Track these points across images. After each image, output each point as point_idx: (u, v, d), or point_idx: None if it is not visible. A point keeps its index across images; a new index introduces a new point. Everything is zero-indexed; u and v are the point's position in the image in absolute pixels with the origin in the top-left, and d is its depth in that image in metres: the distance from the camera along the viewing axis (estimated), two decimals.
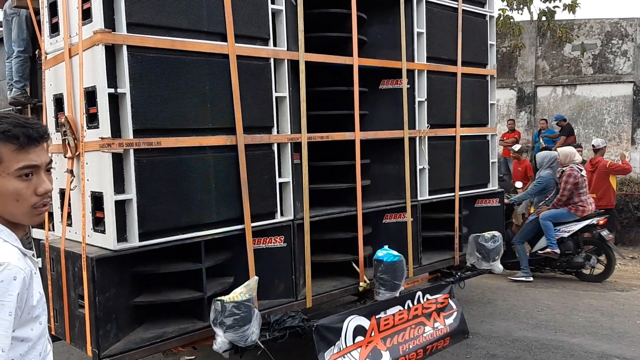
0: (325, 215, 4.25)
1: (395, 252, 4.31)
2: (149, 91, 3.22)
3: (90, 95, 3.13)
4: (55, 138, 3.55)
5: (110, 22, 3.09)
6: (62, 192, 3.55)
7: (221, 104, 3.56)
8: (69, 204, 3.39)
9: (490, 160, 5.77)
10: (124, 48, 3.10)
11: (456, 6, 5.26)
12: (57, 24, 3.46)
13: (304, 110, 4.05)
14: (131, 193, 3.16)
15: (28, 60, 5.26)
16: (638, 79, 13.01)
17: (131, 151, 3.14)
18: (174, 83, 3.33)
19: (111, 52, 3.10)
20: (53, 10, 3.47)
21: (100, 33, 3.03)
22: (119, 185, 3.15)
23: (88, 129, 3.15)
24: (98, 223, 3.22)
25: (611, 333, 4.94)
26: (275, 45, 3.86)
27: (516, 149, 9.68)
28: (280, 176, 3.91)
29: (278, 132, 3.90)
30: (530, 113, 14.59)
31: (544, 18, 12.57)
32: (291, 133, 3.96)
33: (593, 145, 8.83)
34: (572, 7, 12.07)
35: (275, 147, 3.88)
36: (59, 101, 3.51)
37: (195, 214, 3.44)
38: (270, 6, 3.81)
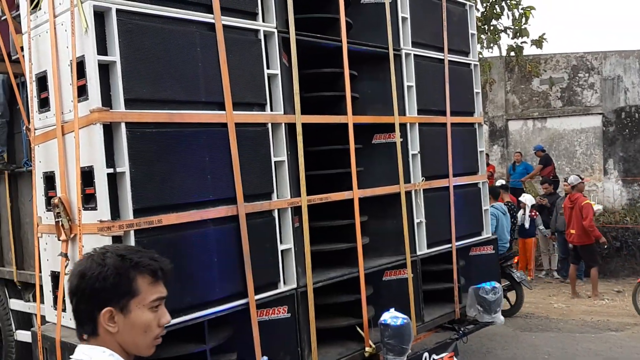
0: (329, 280, 4.12)
1: (401, 315, 4.19)
2: (149, 168, 3.08)
3: (87, 175, 2.97)
4: (46, 217, 3.37)
5: (106, 99, 2.97)
6: (54, 275, 3.34)
7: (221, 174, 3.44)
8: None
9: (483, 208, 5.75)
10: (122, 125, 2.97)
11: (442, 57, 5.30)
12: (46, 99, 3.31)
13: (302, 172, 3.96)
14: None
15: (5, 125, 5.08)
16: (606, 111, 13.38)
17: (132, 232, 2.98)
18: (174, 157, 3.20)
19: (108, 130, 2.97)
20: (42, 84, 3.32)
21: (97, 112, 2.89)
22: None
23: (84, 210, 2.97)
24: None
25: None
26: (272, 109, 3.78)
27: (498, 185, 9.76)
28: (281, 243, 3.78)
29: (278, 197, 3.79)
30: (503, 146, 14.84)
31: (512, 54, 12.87)
32: (291, 197, 3.86)
33: (569, 183, 8.96)
34: (539, 42, 12.39)
35: (276, 214, 3.76)
36: (49, 179, 3.33)
37: (198, 292, 3.27)
38: (266, 71, 3.74)
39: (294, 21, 3.93)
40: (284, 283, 3.78)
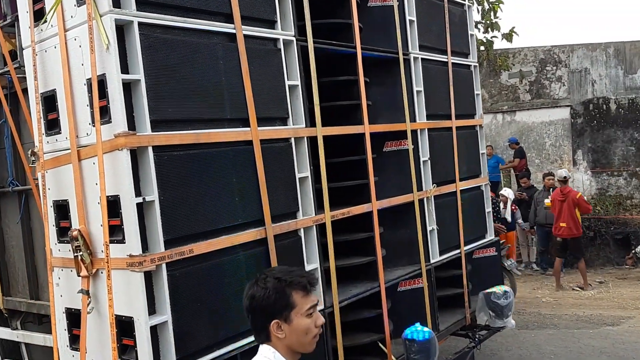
0: (353, 297, 3.95)
1: (424, 329, 4.08)
2: (177, 194, 2.84)
3: (111, 206, 2.71)
4: (58, 250, 3.07)
5: (130, 121, 2.71)
6: (69, 312, 3.06)
7: (248, 195, 3.23)
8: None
9: (486, 210, 5.70)
10: (149, 150, 2.72)
11: (446, 60, 5.19)
12: (56, 120, 3.01)
13: (325, 188, 3.78)
14: (165, 314, 2.75)
15: None
16: (574, 103, 13.66)
17: (163, 266, 2.74)
18: (202, 180, 2.97)
19: (133, 155, 2.71)
20: (50, 104, 3.01)
21: (124, 136, 2.63)
22: (151, 307, 2.74)
23: (111, 243, 2.71)
24: (125, 351, 2.78)
25: None
26: (294, 123, 3.57)
27: None
28: (308, 263, 3.60)
29: (303, 215, 3.60)
30: None
31: (482, 48, 12.94)
32: (315, 215, 3.67)
33: (561, 177, 9.04)
34: (509, 36, 12.47)
35: (302, 233, 3.57)
36: (61, 208, 3.04)
37: (232, 323, 3.06)
38: (287, 82, 3.53)
39: (311, 28, 3.72)
40: None
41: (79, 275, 2.87)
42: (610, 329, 6.42)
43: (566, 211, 8.53)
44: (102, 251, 2.81)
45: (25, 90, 3.41)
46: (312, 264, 3.61)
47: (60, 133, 2.98)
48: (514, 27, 12.56)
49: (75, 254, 2.84)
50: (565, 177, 8.95)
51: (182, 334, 2.80)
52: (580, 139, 13.65)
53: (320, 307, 3.63)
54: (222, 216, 3.06)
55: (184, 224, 2.86)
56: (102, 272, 2.83)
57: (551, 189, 9.72)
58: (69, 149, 2.91)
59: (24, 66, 3.49)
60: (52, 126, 3.03)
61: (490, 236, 5.73)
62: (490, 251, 5.74)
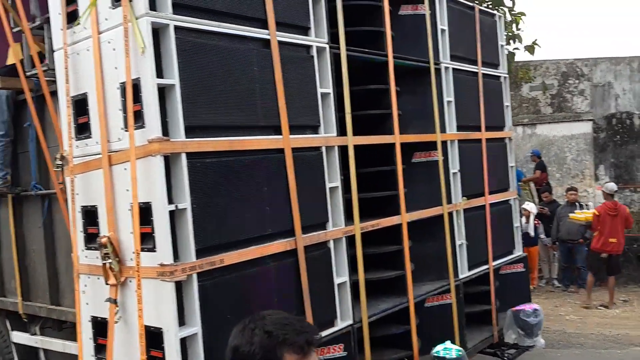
0: (381, 312, 3.84)
1: (456, 347, 3.94)
2: (209, 203, 2.76)
3: (143, 213, 2.63)
4: (85, 256, 3.01)
5: (163, 127, 2.64)
6: (95, 321, 2.99)
7: (279, 205, 3.14)
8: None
9: (514, 225, 5.57)
10: (183, 156, 2.65)
11: (476, 70, 5.09)
12: (86, 124, 2.95)
13: (355, 199, 3.68)
14: (195, 326, 2.66)
15: (10, 145, 4.66)
16: (597, 117, 13.45)
17: (194, 277, 2.66)
18: (233, 189, 2.89)
19: (166, 161, 2.64)
20: (81, 108, 2.96)
21: (158, 142, 2.56)
22: (180, 318, 2.65)
23: (142, 251, 2.63)
24: None
25: None
26: (325, 131, 3.49)
27: None
28: (338, 276, 3.50)
29: (333, 226, 3.50)
30: None
31: None
32: (345, 226, 3.57)
33: (612, 190, 8.84)
34: (531, 48, 12.32)
35: (331, 244, 3.47)
36: (89, 214, 2.97)
37: None
38: (319, 90, 3.45)
39: (344, 35, 3.65)
40: (340, 319, 3.49)
41: (107, 284, 2.79)
42: (639, 349, 6.23)
43: (618, 226, 8.33)
44: (131, 259, 2.74)
45: (53, 93, 3.36)
46: (341, 277, 3.51)
47: (91, 137, 2.92)
48: (536, 40, 12.39)
49: (104, 262, 2.77)
50: (616, 190, 8.76)
51: (211, 346, 2.70)
52: (603, 154, 13.41)
53: (349, 322, 3.53)
54: (252, 226, 2.98)
55: (215, 233, 2.78)
56: (130, 281, 2.76)
57: (579, 204, 9.52)
58: (99, 154, 2.85)
59: (53, 69, 3.47)
60: (82, 130, 2.98)
61: (518, 252, 5.58)
62: (518, 267, 5.59)
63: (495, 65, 5.47)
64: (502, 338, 5.12)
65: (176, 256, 2.65)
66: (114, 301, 2.78)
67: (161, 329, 2.63)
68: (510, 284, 5.51)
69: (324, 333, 3.37)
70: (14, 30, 3.87)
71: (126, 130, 2.71)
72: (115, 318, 2.77)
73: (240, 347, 1.53)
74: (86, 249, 2.99)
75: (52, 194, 4.29)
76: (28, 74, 3.81)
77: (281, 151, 3.16)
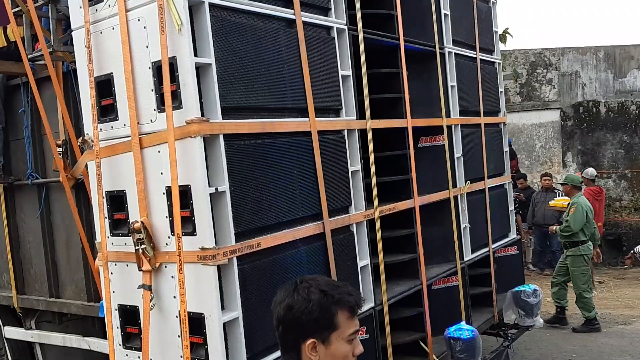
0: (398, 295, 3.86)
1: (468, 327, 4.01)
2: (246, 186, 2.71)
3: (182, 197, 2.56)
4: (111, 243, 2.90)
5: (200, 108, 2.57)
6: (123, 309, 2.89)
7: (308, 189, 3.11)
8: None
9: (510, 209, 5.67)
10: (220, 138, 2.58)
11: (474, 56, 5.15)
12: (111, 106, 2.84)
13: (374, 182, 3.68)
14: (236, 310, 2.61)
15: (1, 133, 4.47)
16: (564, 106, 13.82)
17: (234, 260, 2.61)
18: (267, 172, 2.85)
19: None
20: (105, 89, 2.84)
21: (197, 123, 2.49)
22: (221, 303, 2.60)
23: (184, 235, 2.55)
24: (191, 349, 2.62)
25: None
26: (346, 114, 3.47)
27: None
28: (360, 259, 3.49)
29: (355, 210, 3.49)
30: None
31: None
32: (365, 210, 3.56)
33: (592, 175, 9.04)
34: (503, 37, 12.53)
35: (354, 228, 3.46)
36: (115, 199, 2.87)
37: None
38: (340, 72, 3.42)
39: (361, 17, 3.62)
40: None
41: (140, 270, 2.71)
42: (624, 327, 6.46)
43: (601, 210, 8.56)
44: (167, 244, 2.67)
45: (47, 78, 3.23)
46: (363, 260, 3.50)
47: (117, 120, 2.82)
48: (507, 28, 12.63)
49: (137, 248, 2.68)
50: (596, 175, 8.98)
51: (251, 331, 2.66)
52: (570, 142, 13.80)
53: (371, 304, 3.54)
54: (284, 209, 2.95)
55: (252, 216, 2.74)
56: (166, 267, 2.69)
57: (555, 190, 9.77)
58: (128, 137, 2.75)
59: (59, 50, 3.34)
60: (107, 112, 2.87)
61: (512, 235, 5.70)
62: (512, 250, 5.71)
63: (491, 51, 5.54)
64: (501, 319, 5.24)
65: (215, 240, 2.59)
66: (148, 287, 2.70)
67: (202, 314, 2.57)
68: (505, 266, 5.62)
69: None
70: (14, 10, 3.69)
71: (159, 112, 2.63)
72: (150, 305, 2.69)
73: (296, 304, 1.61)
74: (112, 236, 2.89)
75: (50, 182, 4.13)
76: (30, 56, 3.64)
77: (308, 134, 3.13)
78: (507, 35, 12.55)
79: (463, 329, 3.97)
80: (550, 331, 6.47)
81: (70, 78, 3.58)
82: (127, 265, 2.84)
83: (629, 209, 12.73)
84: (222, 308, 2.61)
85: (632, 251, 9.81)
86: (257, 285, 2.75)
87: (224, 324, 2.57)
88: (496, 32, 5.63)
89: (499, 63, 5.63)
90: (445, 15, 4.68)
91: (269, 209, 2.83)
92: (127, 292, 2.86)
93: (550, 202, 9.39)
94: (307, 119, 3.12)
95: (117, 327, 2.92)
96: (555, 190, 10.22)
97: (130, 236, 2.76)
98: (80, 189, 3.64)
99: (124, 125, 2.78)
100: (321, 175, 3.16)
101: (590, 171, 9.35)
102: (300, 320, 1.61)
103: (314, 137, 3.13)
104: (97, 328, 4.05)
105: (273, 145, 2.89)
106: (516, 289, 5.07)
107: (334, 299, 1.63)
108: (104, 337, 3.50)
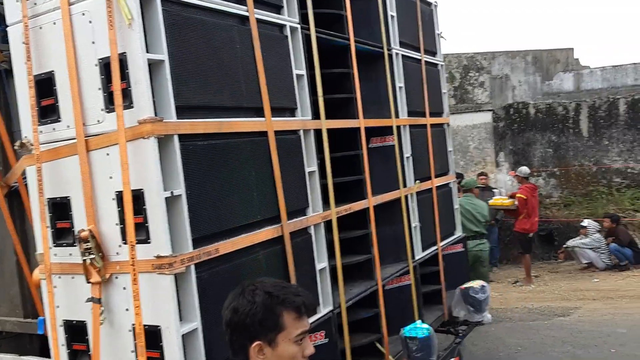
0: (355, 297, 3.81)
1: (425, 325, 4.02)
2: (202, 189, 2.58)
3: (135, 202, 2.40)
4: (54, 254, 2.69)
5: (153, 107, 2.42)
6: (69, 325, 2.68)
7: (265, 191, 3.01)
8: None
9: (454, 207, 5.77)
10: (176, 139, 2.44)
11: (419, 57, 5.20)
12: (52, 106, 2.63)
13: (331, 183, 3.62)
14: (195, 321, 2.48)
15: None
16: (496, 107, 14.32)
17: (192, 268, 2.47)
18: (225, 174, 2.72)
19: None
20: (45, 88, 2.64)
21: (150, 122, 2.34)
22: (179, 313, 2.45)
23: (137, 243, 2.39)
24: None
25: None
26: (301, 115, 3.39)
27: None
28: (318, 262, 3.42)
29: (312, 211, 3.42)
30: None
31: None
32: (323, 211, 3.50)
33: (526, 173, 9.37)
34: None
35: (312, 230, 3.38)
36: (58, 207, 2.66)
37: None
38: (295, 71, 3.34)
39: (313, 16, 3.56)
40: (323, 306, 3.42)
41: (88, 282, 2.52)
42: (563, 319, 6.72)
43: (538, 206, 8.89)
44: (117, 253, 2.50)
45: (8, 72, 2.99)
46: (321, 263, 3.43)
47: (60, 121, 2.62)
48: (441, 32, 12.93)
49: (84, 258, 2.50)
50: (530, 173, 9.32)
51: (211, 341, 2.53)
52: (502, 142, 14.31)
53: (330, 307, 3.48)
54: (243, 212, 2.83)
55: (210, 221, 2.60)
56: (117, 277, 2.51)
57: (493, 190, 10.09)
58: (72, 139, 2.56)
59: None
60: (48, 113, 2.66)
61: (458, 232, 5.80)
62: (458, 247, 5.81)
63: (434, 53, 5.63)
64: (451, 316, 5.30)
65: (172, 247, 2.44)
66: (97, 300, 2.51)
67: (159, 327, 2.41)
68: (451, 263, 5.71)
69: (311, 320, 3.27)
70: None
71: (108, 111, 2.46)
72: (101, 319, 2.51)
73: (241, 307, 1.64)
74: (55, 246, 2.68)
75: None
76: None
77: (264, 134, 3.03)
78: (440, 38, 12.85)
79: (419, 328, 3.97)
80: (495, 325, 6.63)
81: (1, 78, 3.32)
82: (73, 278, 2.64)
83: (558, 205, 13.33)
84: (180, 319, 2.46)
85: (564, 245, 10.25)
86: (216, 294, 2.62)
87: (183, 335, 2.43)
88: (438, 34, 5.72)
89: (442, 65, 5.72)
90: (392, 16, 4.70)
91: (227, 213, 2.71)
92: (74, 306, 2.66)
93: (490, 202, 9.69)
94: (263, 119, 3.02)
95: (63, 345, 2.71)
96: (493, 190, 10.56)
97: (76, 246, 2.57)
98: (14, 196, 3.38)
99: (68, 126, 2.58)
100: (279, 177, 3.07)
101: (524, 169, 9.72)
102: (245, 322, 1.63)
103: (270, 137, 3.04)
104: (35, 346, 3.77)
105: (230, 146, 2.78)
106: (464, 285, 5.16)
107: (279, 299, 1.64)
108: (42, 355, 3.28)
